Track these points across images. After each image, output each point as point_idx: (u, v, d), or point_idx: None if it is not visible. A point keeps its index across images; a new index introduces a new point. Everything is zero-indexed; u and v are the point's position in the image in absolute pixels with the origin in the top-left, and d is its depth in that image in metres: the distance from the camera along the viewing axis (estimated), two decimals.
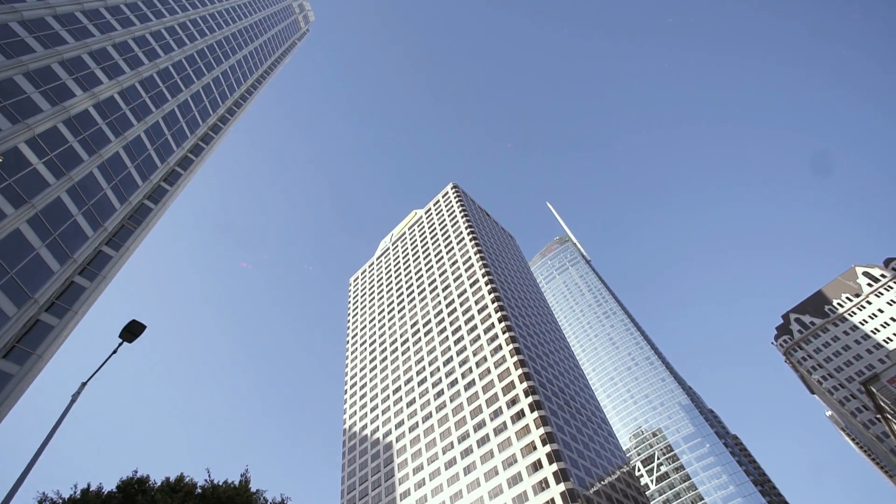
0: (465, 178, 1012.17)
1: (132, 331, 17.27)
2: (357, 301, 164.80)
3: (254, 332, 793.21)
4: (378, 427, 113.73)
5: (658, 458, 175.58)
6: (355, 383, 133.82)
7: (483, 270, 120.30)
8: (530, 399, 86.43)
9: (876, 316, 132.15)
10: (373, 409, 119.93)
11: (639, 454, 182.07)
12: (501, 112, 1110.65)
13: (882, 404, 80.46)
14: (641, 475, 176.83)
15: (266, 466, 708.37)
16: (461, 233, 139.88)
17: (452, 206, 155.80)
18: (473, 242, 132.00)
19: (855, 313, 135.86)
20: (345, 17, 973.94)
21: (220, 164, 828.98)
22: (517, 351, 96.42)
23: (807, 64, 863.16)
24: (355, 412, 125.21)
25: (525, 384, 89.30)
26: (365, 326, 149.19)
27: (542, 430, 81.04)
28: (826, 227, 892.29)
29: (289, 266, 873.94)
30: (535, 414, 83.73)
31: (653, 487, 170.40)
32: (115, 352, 16.80)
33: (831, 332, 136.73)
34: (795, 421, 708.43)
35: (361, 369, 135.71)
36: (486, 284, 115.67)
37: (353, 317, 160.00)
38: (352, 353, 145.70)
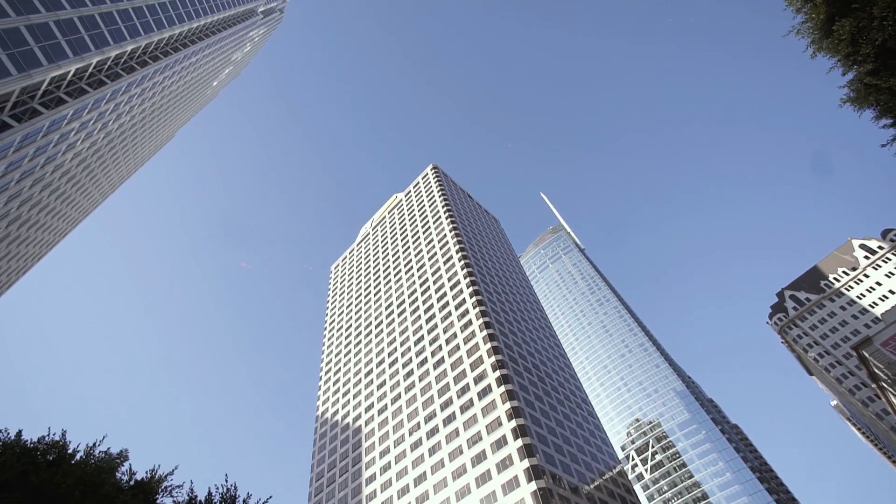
0: (466, 174, 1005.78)
1: None
2: (336, 288, 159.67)
3: (244, 328, 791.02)
4: (349, 412, 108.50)
5: (652, 446, 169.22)
6: (329, 369, 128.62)
7: (458, 247, 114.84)
8: (497, 373, 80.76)
9: (874, 289, 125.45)
10: (344, 394, 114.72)
11: (633, 442, 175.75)
12: (501, 110, 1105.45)
13: (875, 371, 74.26)
14: (636, 464, 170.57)
15: (257, 463, 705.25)
16: (438, 212, 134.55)
17: (431, 186, 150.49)
18: (449, 220, 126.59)
19: (852, 287, 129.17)
20: (336, 10, 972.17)
21: (211, 161, 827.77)
22: (487, 325, 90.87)
23: (807, 64, 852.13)
24: (328, 398, 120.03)
25: (493, 358, 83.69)
26: (342, 312, 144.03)
27: (508, 405, 75.38)
28: (824, 215, 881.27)
29: (284, 263, 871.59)
30: (502, 388, 78.09)
31: (647, 476, 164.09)
32: None
33: (827, 308, 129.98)
34: (802, 412, 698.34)
35: (336, 355, 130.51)
36: (460, 260, 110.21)
37: (331, 304, 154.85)
38: (328, 339, 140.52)
